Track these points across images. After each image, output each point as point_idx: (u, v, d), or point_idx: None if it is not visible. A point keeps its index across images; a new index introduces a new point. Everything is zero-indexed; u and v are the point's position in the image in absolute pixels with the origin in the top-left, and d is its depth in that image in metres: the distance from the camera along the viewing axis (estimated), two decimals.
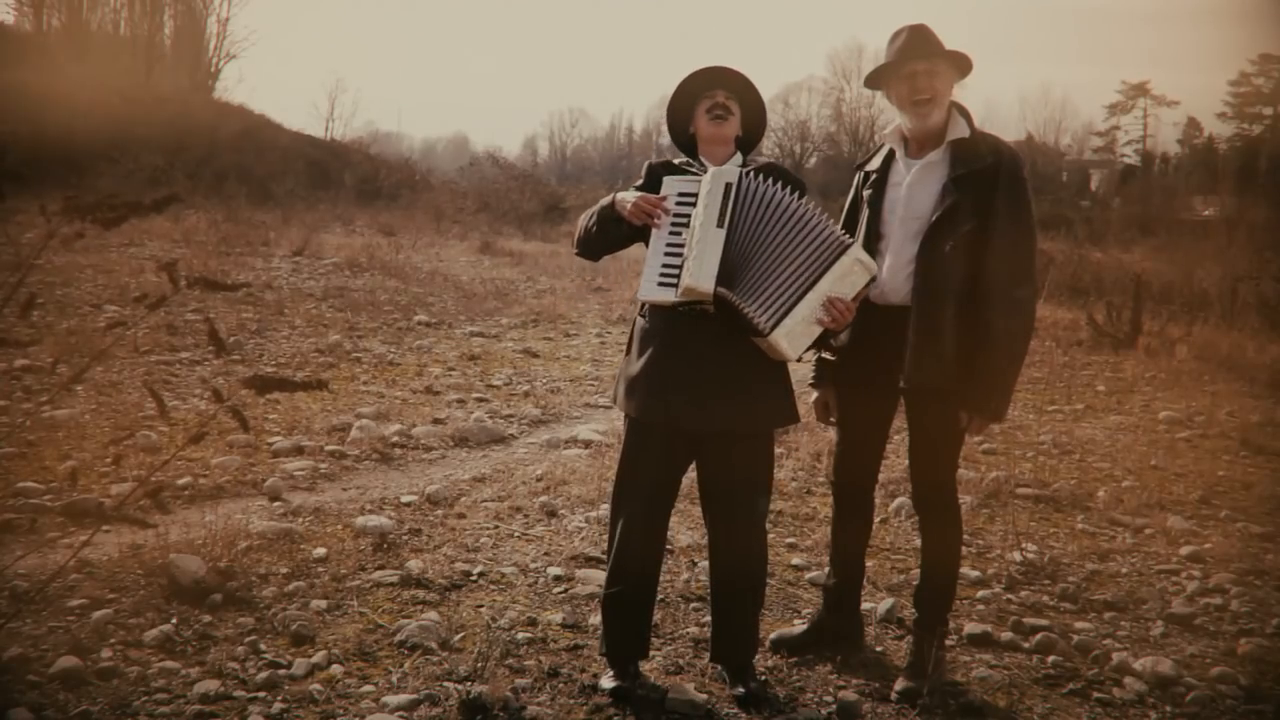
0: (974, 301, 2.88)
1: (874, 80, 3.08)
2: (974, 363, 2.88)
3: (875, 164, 3.11)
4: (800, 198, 2.73)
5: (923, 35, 2.96)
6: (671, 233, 2.75)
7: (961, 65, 2.99)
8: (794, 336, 2.70)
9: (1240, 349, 9.74)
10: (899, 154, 3.05)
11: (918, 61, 2.93)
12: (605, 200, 2.89)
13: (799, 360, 2.80)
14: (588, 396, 7.07)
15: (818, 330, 2.74)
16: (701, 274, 2.66)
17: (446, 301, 11.11)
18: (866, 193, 3.08)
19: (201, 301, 8.97)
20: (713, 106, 2.89)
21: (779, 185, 2.73)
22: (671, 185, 2.80)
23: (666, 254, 2.74)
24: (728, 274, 2.67)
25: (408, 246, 15.97)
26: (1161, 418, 7.07)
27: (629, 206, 2.79)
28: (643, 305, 2.88)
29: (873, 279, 2.77)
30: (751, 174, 2.74)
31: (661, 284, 2.73)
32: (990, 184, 2.88)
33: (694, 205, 2.74)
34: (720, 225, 2.67)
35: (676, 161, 2.97)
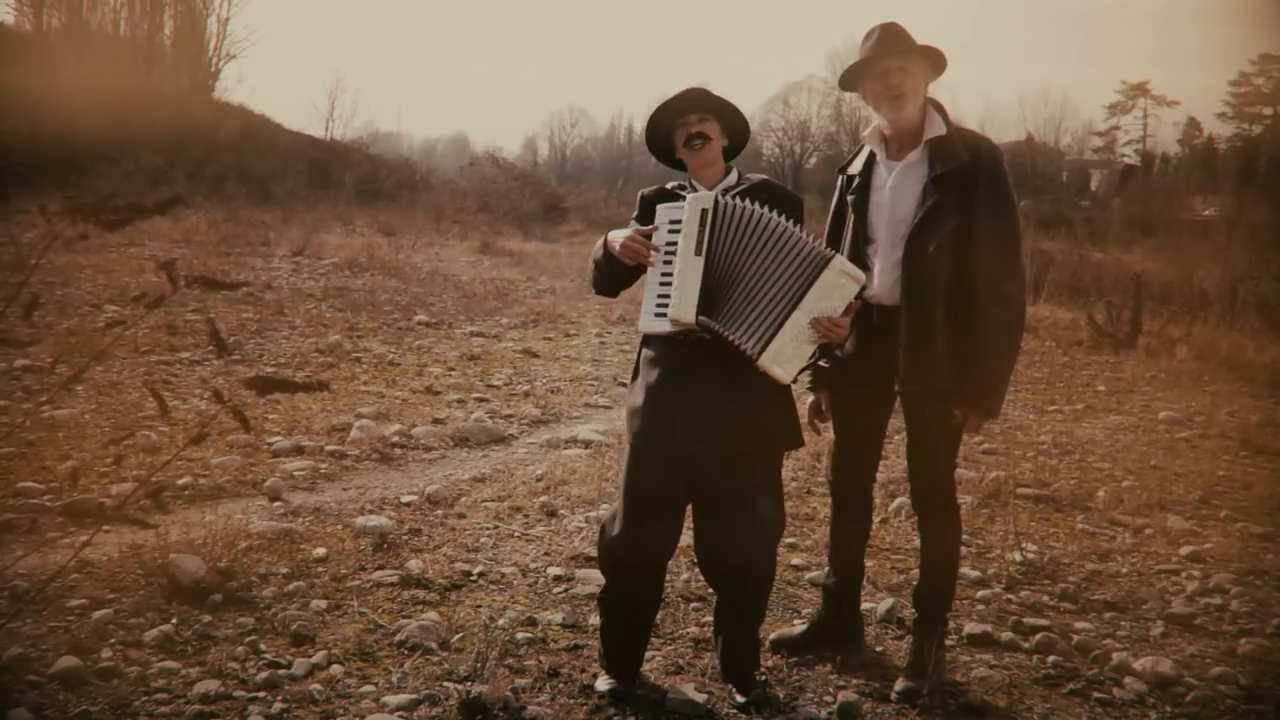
0: (963, 300, 2.88)
1: (848, 80, 3.08)
2: (968, 361, 2.89)
3: (856, 167, 3.11)
4: (783, 215, 2.72)
5: (894, 33, 2.96)
6: (665, 262, 2.76)
7: (935, 61, 2.99)
8: (783, 359, 2.70)
9: (1240, 349, 9.73)
10: (880, 156, 3.04)
11: (890, 59, 2.93)
12: (601, 241, 2.91)
13: (794, 382, 2.80)
14: (588, 396, 7.06)
15: (809, 350, 2.74)
16: (683, 304, 2.67)
17: (446, 301, 11.11)
18: (851, 197, 3.08)
19: (201, 301, 8.97)
20: (689, 138, 2.87)
21: (757, 205, 2.72)
22: (663, 214, 2.81)
23: (661, 284, 2.76)
24: (709, 302, 2.68)
25: (408, 246, 15.96)
26: (1161, 418, 7.07)
27: (618, 248, 2.80)
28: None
29: (863, 289, 2.76)
30: (731, 196, 2.73)
31: (657, 314, 2.75)
32: (970, 181, 2.88)
33: (681, 232, 2.74)
34: (698, 253, 2.68)
35: (669, 186, 2.96)
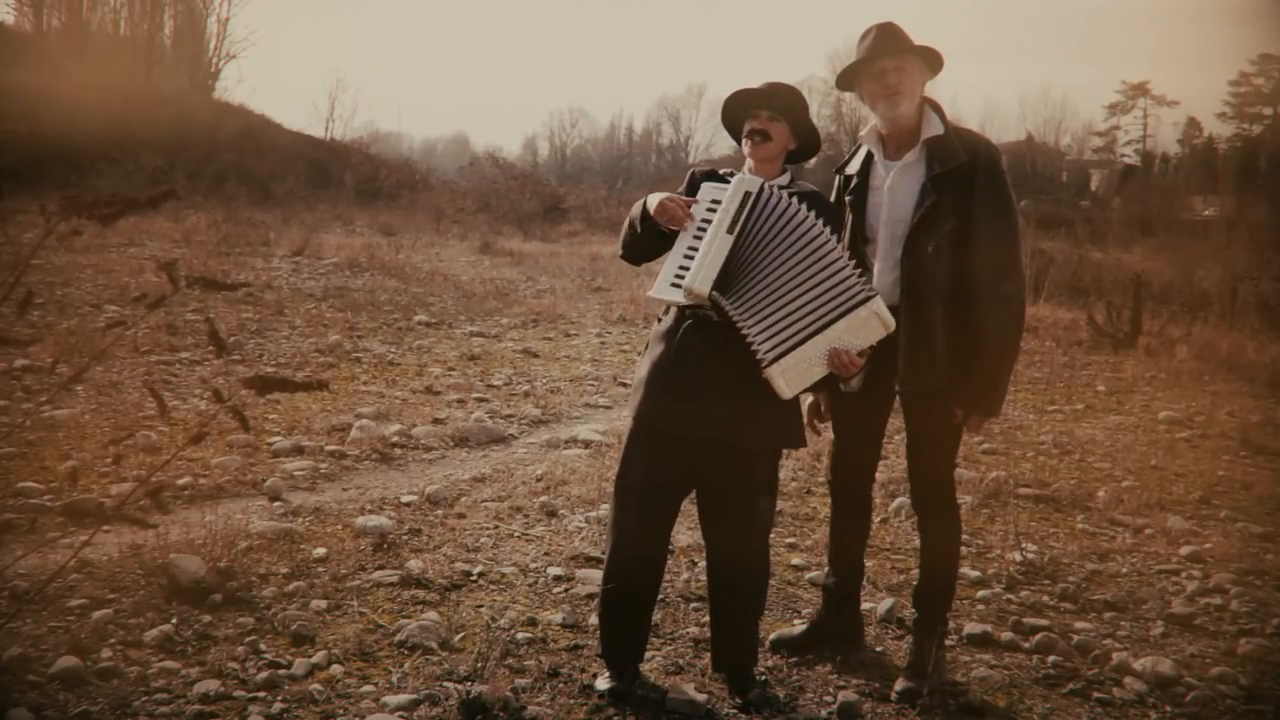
0: (962, 299, 2.88)
1: (845, 80, 3.08)
2: (967, 361, 2.89)
3: (854, 167, 3.10)
4: (827, 227, 2.69)
5: (891, 32, 2.96)
6: (695, 237, 2.75)
7: (932, 61, 2.99)
8: (790, 376, 2.66)
9: (1240, 349, 9.73)
10: (877, 156, 3.04)
11: (887, 59, 2.93)
12: (641, 200, 2.90)
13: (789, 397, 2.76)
14: (588, 396, 7.06)
15: (818, 374, 2.69)
16: (701, 276, 2.65)
17: (446, 301, 11.10)
18: (849, 198, 3.08)
19: (201, 301, 8.97)
20: (751, 131, 2.88)
21: (804, 207, 2.69)
22: (706, 191, 2.80)
23: (685, 256, 2.74)
24: (727, 281, 2.67)
25: (408, 246, 15.97)
26: (1161, 418, 7.07)
27: (656, 205, 2.79)
28: (665, 306, 2.88)
29: (886, 334, 2.70)
30: (777, 189, 2.72)
31: (674, 284, 2.73)
32: (968, 181, 2.88)
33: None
34: (730, 232, 2.66)
35: (722, 171, 2.96)
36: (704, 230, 2.74)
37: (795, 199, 2.72)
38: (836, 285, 2.66)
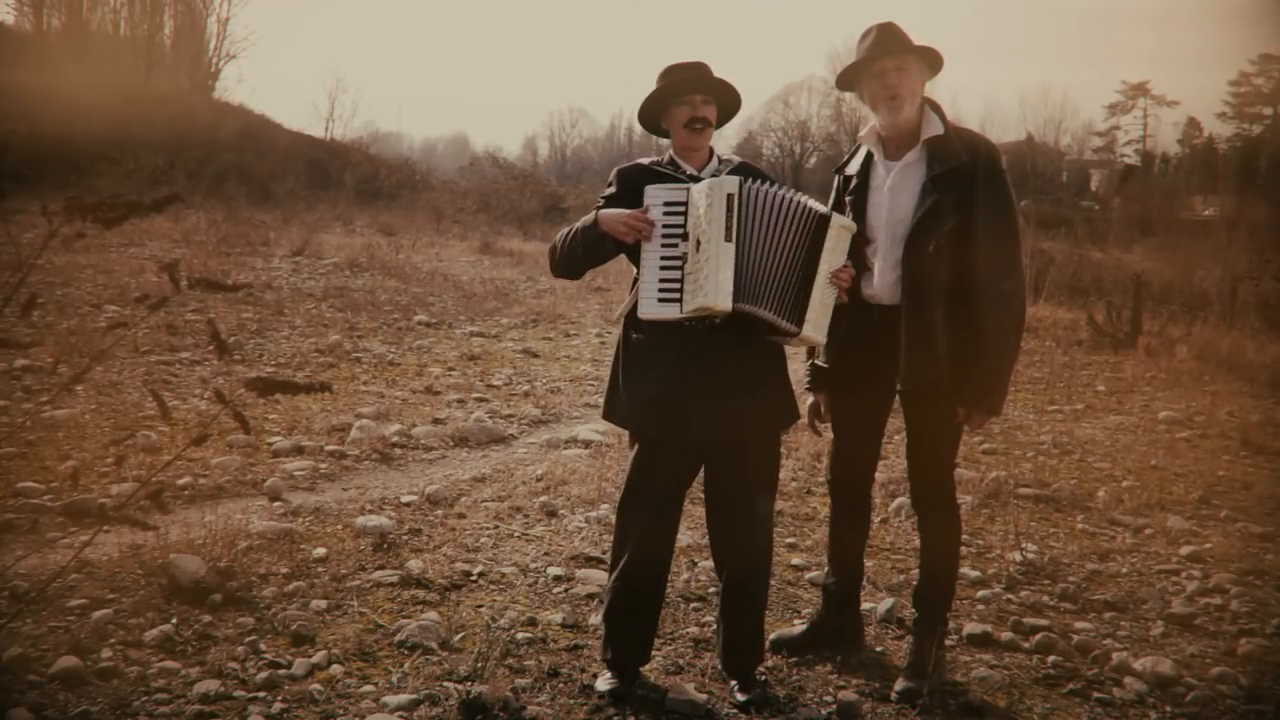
0: (963, 299, 2.88)
1: (845, 80, 3.08)
2: (968, 360, 2.89)
3: (854, 167, 3.10)
4: (778, 185, 2.75)
5: (891, 32, 2.96)
6: (664, 245, 2.72)
7: (932, 61, 2.99)
8: (818, 323, 2.74)
9: (1240, 349, 9.72)
10: (877, 156, 3.04)
11: (887, 59, 2.93)
12: (586, 221, 2.82)
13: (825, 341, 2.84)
14: (588, 396, 7.06)
15: (832, 303, 2.78)
16: (719, 292, 2.63)
17: (446, 301, 11.10)
18: (849, 198, 3.08)
19: (202, 301, 8.97)
20: (691, 120, 2.84)
21: (766, 183, 2.74)
22: (655, 195, 2.75)
23: (662, 268, 2.71)
24: (743, 287, 2.67)
25: (408, 246, 15.97)
26: (1161, 418, 7.07)
27: (620, 226, 2.73)
28: (631, 319, 2.84)
29: (854, 232, 2.81)
30: (749, 181, 2.72)
31: (663, 300, 2.71)
32: (968, 181, 2.88)
33: (682, 214, 2.71)
34: (729, 239, 2.65)
35: (646, 162, 2.94)
36: (671, 238, 2.71)
37: (759, 180, 2.74)
38: (807, 227, 2.72)
